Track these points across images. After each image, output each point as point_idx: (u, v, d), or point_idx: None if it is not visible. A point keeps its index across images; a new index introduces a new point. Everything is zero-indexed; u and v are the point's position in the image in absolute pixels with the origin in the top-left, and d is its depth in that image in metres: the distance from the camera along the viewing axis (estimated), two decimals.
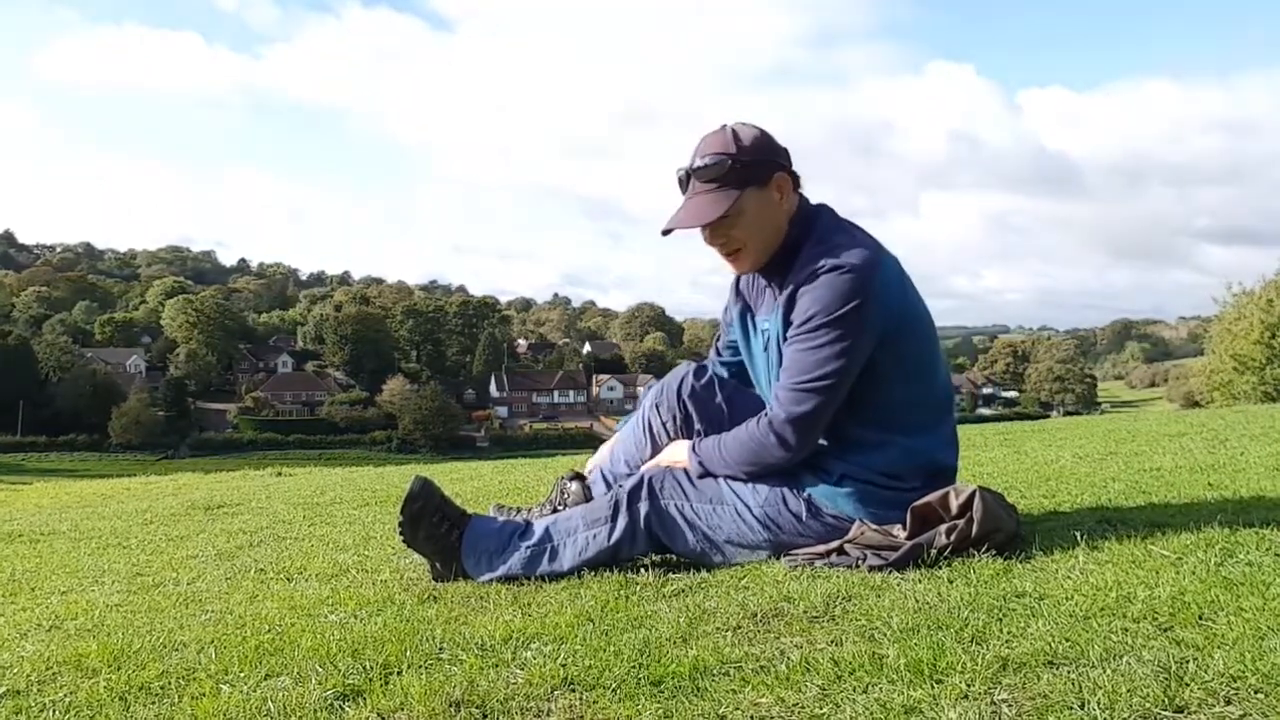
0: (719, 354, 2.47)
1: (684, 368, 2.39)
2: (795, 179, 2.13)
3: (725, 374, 2.42)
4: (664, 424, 2.33)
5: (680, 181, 2.12)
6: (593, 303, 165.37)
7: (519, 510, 2.51)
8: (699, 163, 2.07)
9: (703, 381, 2.32)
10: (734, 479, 2.16)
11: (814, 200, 2.18)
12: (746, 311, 2.25)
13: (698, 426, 2.27)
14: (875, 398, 2.05)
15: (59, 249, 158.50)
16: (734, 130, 2.09)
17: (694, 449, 2.21)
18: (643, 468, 2.30)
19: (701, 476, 2.18)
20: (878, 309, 1.97)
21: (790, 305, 2.04)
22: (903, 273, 2.09)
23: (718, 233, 2.09)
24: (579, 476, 2.46)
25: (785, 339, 2.06)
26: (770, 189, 2.08)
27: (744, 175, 2.05)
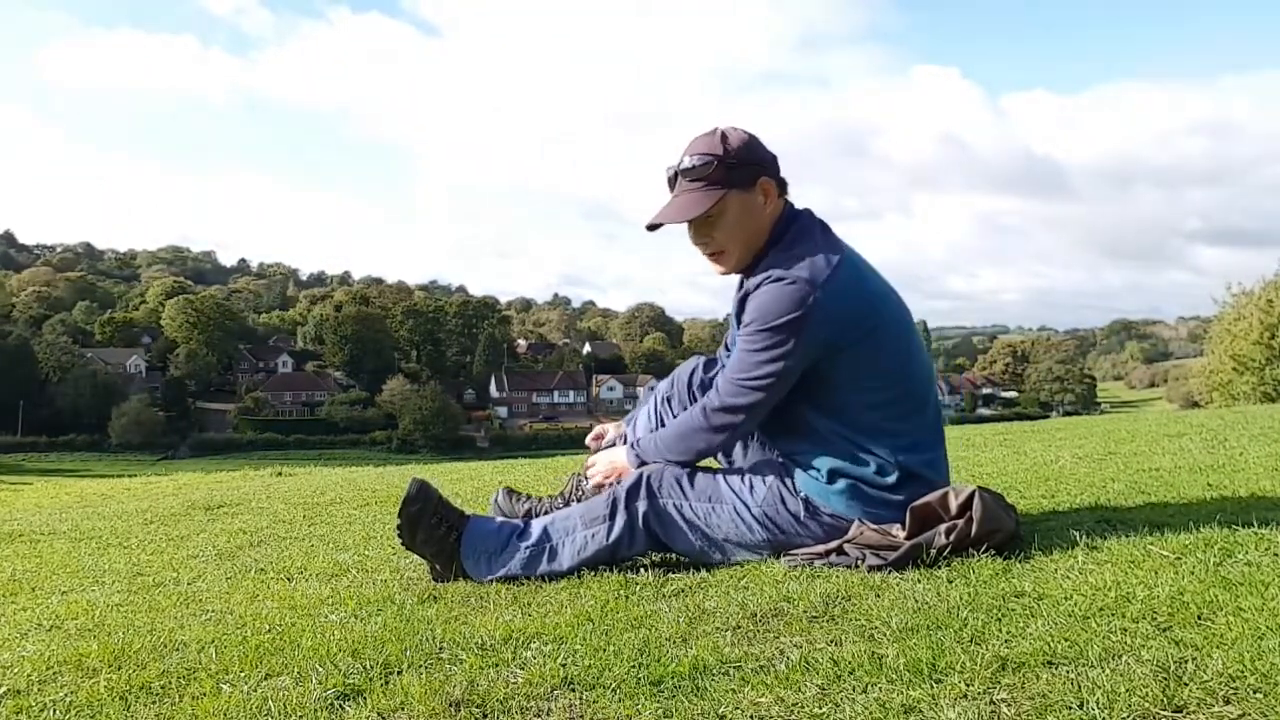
0: (727, 350, 2.49)
1: (695, 360, 2.44)
2: (782, 185, 2.17)
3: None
4: (675, 415, 2.36)
5: (669, 181, 2.18)
6: (593, 303, 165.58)
7: (529, 498, 2.52)
8: (686, 162, 2.13)
9: (713, 374, 2.36)
10: (729, 475, 2.19)
11: (804, 202, 2.22)
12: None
13: None
14: (837, 400, 2.09)
15: (59, 249, 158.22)
16: (723, 133, 2.13)
17: (633, 445, 2.30)
18: (591, 466, 2.38)
19: (641, 465, 2.26)
20: (820, 322, 2.01)
21: (741, 307, 2.13)
22: (864, 284, 2.10)
23: (701, 232, 2.15)
24: None
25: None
26: (755, 193, 2.12)
27: (729, 177, 2.10)
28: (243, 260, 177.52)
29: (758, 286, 2.07)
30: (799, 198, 2.21)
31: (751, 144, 2.14)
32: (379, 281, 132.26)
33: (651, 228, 2.18)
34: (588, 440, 2.60)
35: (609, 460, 2.35)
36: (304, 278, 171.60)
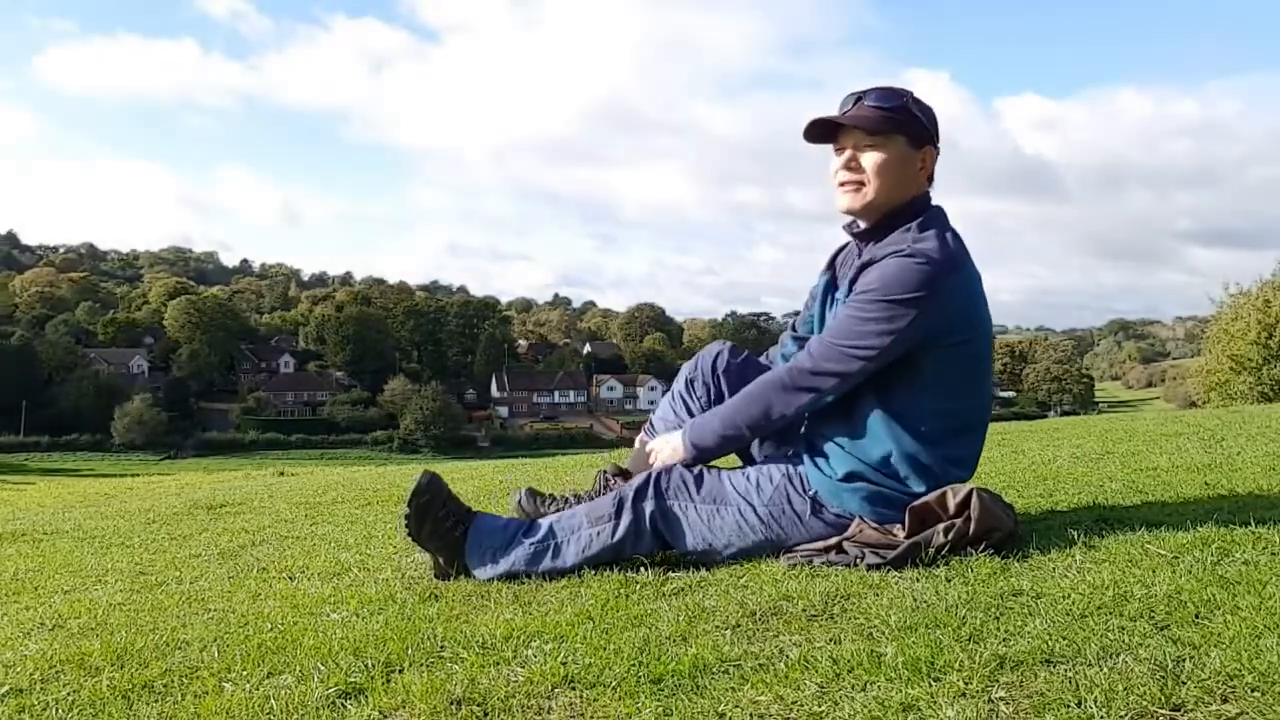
0: (794, 330, 2.48)
1: (719, 345, 2.41)
2: (931, 174, 2.17)
3: (793, 349, 2.42)
4: (699, 399, 2.35)
5: (847, 102, 2.15)
6: (593, 303, 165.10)
7: (554, 499, 2.49)
8: (874, 97, 2.11)
9: (739, 359, 2.35)
10: (734, 476, 2.17)
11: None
12: (832, 285, 2.28)
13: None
14: (909, 398, 2.06)
15: (62, 250, 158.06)
16: (912, 93, 2.15)
17: (689, 428, 2.23)
18: (652, 459, 2.29)
19: (695, 460, 2.20)
20: (937, 309, 1.99)
21: (859, 274, 2.08)
22: (978, 288, 2.10)
23: (857, 151, 2.11)
24: (623, 472, 2.42)
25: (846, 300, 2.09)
26: (919, 153, 2.13)
27: (907, 123, 2.11)
28: (245, 261, 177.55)
29: (884, 256, 2.03)
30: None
31: (932, 113, 2.17)
32: (380, 282, 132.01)
33: (813, 129, 2.14)
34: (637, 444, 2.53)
35: (665, 443, 2.28)
36: (306, 278, 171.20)
